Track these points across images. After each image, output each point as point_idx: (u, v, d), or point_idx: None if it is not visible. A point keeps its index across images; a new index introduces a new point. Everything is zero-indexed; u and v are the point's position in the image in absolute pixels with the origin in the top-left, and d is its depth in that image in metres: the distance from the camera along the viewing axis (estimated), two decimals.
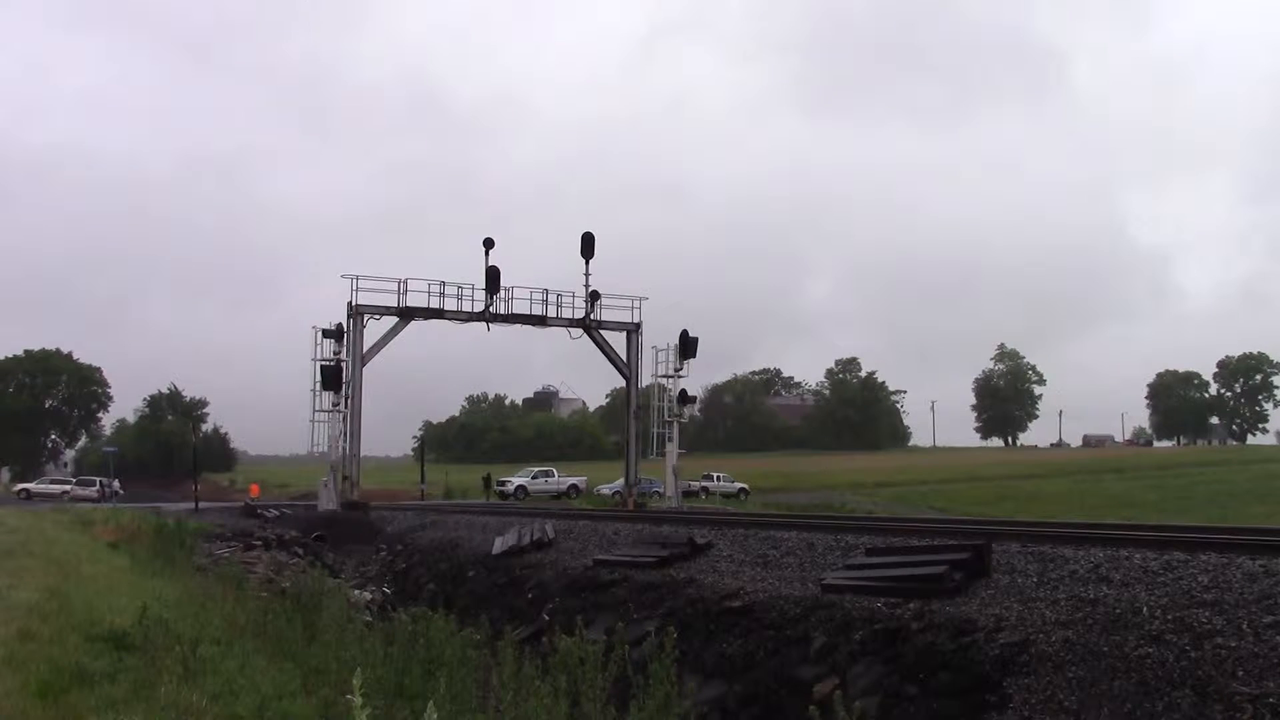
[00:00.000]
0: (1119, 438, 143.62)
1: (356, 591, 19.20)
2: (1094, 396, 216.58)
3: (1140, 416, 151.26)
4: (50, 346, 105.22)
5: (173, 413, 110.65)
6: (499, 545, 20.41)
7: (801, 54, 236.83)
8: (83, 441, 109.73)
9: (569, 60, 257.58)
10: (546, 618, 13.79)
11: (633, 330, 43.46)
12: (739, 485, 61.72)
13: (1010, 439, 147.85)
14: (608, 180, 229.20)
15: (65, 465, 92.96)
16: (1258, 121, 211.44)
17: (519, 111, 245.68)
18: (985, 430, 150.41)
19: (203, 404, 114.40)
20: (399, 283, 39.81)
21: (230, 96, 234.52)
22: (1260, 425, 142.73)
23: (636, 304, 43.37)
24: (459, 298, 40.58)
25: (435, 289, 40.21)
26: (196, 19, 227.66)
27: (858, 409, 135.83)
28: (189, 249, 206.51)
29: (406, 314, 40.04)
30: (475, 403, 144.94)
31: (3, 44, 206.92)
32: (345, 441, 38.84)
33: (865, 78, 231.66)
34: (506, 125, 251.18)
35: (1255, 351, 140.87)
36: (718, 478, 60.96)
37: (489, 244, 40.71)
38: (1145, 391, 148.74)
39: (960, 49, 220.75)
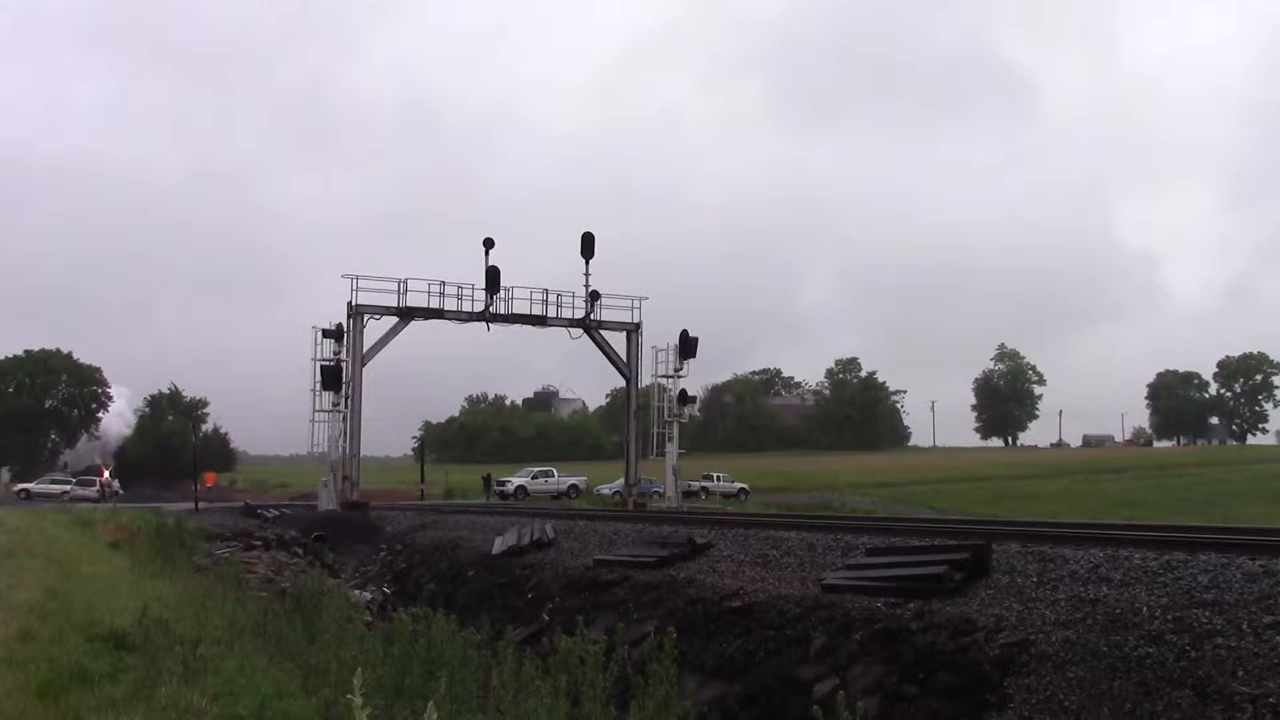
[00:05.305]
0: (1119, 438, 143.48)
1: (356, 591, 19.19)
2: (1094, 396, 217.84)
3: (1140, 416, 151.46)
4: (50, 346, 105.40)
5: (173, 413, 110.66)
6: (499, 545, 20.39)
7: (791, 67, 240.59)
8: (89, 441, 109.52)
9: (565, 70, 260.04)
10: (546, 618, 13.78)
11: (633, 330, 43.42)
12: (739, 485, 61.69)
13: (1010, 439, 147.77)
14: (605, 185, 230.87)
15: (64, 465, 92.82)
16: (1236, 129, 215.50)
17: (516, 120, 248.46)
18: (985, 430, 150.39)
19: (203, 404, 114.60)
20: (399, 283, 39.80)
21: (236, 108, 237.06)
22: (1260, 425, 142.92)
23: (636, 304, 43.39)
24: (459, 298, 40.57)
25: (435, 289, 40.19)
26: (205, 35, 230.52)
27: (858, 409, 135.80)
28: (191, 252, 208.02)
29: (406, 314, 40.00)
30: (475, 403, 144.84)
31: (22, 58, 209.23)
32: (345, 441, 38.80)
33: (856, 90, 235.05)
34: (504, 134, 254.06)
35: (1255, 351, 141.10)
36: (718, 478, 60.93)
37: (489, 244, 40.67)
38: (1145, 391, 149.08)
39: (942, 68, 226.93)
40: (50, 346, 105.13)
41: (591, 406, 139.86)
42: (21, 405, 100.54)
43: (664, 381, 43.29)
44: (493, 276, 40.65)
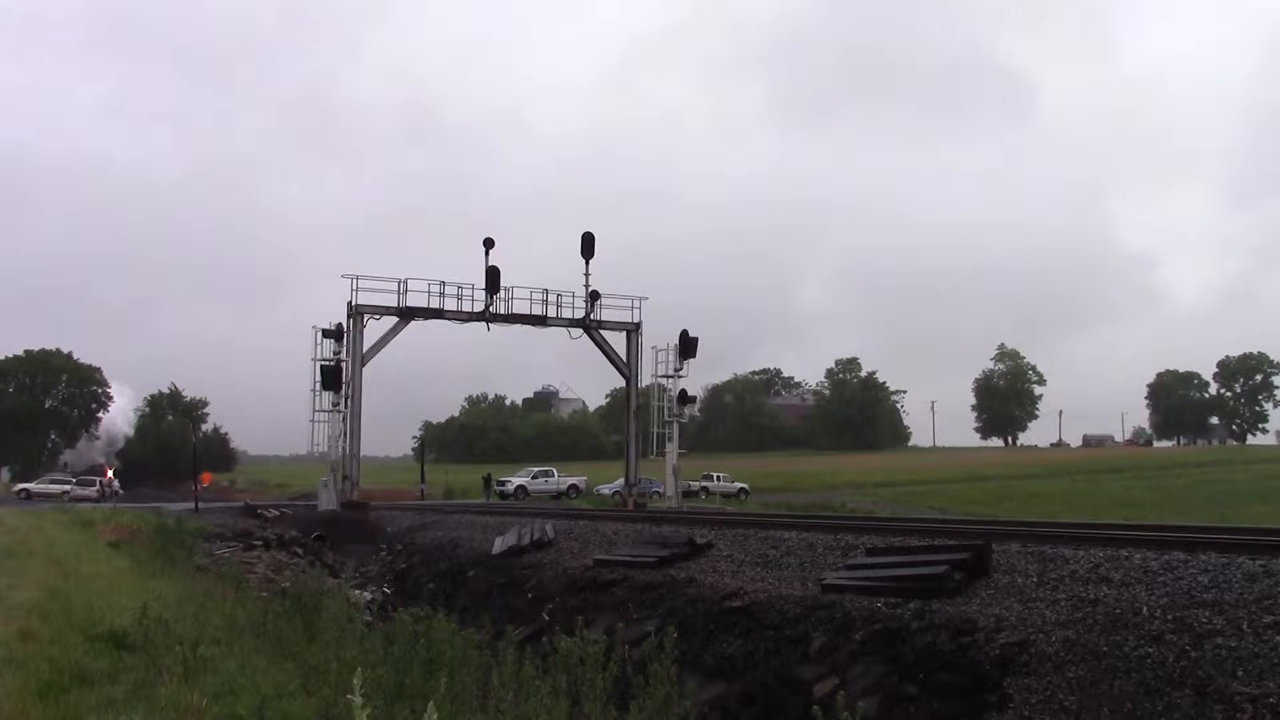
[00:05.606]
0: (1119, 438, 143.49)
1: (356, 591, 19.19)
2: (1094, 396, 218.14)
3: (1140, 416, 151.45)
4: (50, 346, 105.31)
5: (173, 413, 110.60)
6: (499, 545, 20.41)
7: (791, 67, 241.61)
8: (89, 441, 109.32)
9: (565, 71, 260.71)
10: (546, 618, 13.78)
11: (633, 330, 43.42)
12: (739, 485, 61.69)
13: (1010, 439, 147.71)
14: (605, 185, 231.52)
15: (64, 465, 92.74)
16: (1236, 129, 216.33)
17: (516, 121, 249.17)
18: (985, 430, 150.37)
19: (203, 404, 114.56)
20: (399, 283, 39.79)
21: (236, 108, 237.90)
22: (1260, 425, 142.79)
23: (636, 304, 43.39)
24: (459, 298, 40.56)
25: (435, 289, 40.18)
26: (205, 35, 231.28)
27: (858, 409, 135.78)
28: (191, 252, 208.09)
29: (406, 314, 39.99)
30: (475, 403, 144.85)
31: (22, 58, 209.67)
32: (345, 441, 38.79)
33: (856, 91, 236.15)
34: (503, 135, 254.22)
35: (1255, 351, 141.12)
36: (718, 478, 60.91)
37: (489, 244, 40.66)
38: (1145, 391, 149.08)
39: (941, 68, 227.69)
40: (50, 346, 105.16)
41: (591, 406, 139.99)
42: (21, 405, 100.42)
43: (664, 381, 43.29)
44: (493, 276, 40.65)
